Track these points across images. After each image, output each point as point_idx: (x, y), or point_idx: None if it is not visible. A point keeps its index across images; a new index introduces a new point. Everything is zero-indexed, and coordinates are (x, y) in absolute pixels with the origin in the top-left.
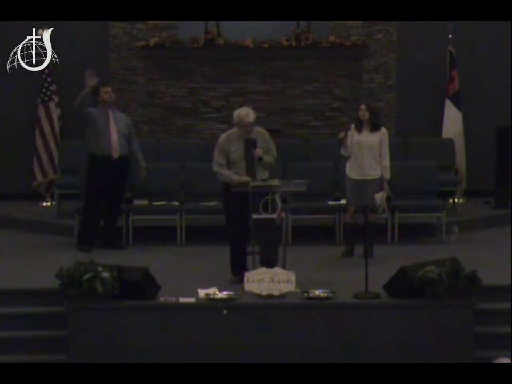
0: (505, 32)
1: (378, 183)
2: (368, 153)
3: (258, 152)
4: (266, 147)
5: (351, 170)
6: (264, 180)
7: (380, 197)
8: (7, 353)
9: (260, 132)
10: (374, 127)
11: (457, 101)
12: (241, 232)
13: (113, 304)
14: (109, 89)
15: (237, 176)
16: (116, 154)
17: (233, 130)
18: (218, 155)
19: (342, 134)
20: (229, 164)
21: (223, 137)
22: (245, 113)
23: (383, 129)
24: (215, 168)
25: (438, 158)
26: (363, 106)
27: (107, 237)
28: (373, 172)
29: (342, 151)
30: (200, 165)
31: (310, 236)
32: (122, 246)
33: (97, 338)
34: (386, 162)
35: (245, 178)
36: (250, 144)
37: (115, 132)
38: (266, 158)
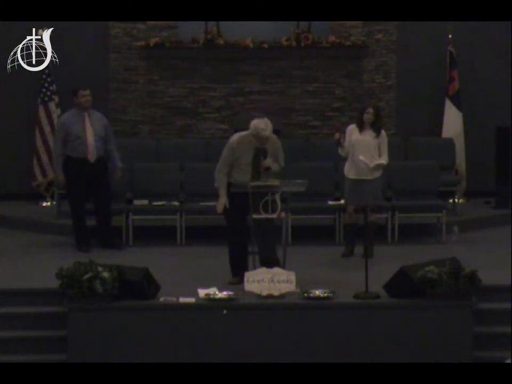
0: (505, 32)
1: (376, 183)
2: (366, 154)
3: (268, 162)
4: (274, 155)
5: (349, 170)
6: None
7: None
8: (7, 353)
9: (272, 140)
10: (377, 130)
11: (457, 101)
12: (241, 233)
13: (113, 304)
14: (86, 92)
15: (223, 192)
16: (92, 158)
17: (247, 134)
18: (224, 159)
19: (337, 135)
20: (235, 167)
21: (235, 138)
22: (263, 126)
23: (383, 132)
24: (216, 173)
25: (438, 158)
26: (371, 110)
27: (103, 237)
28: (371, 172)
29: (340, 151)
30: (200, 165)
31: (310, 236)
32: (120, 245)
33: (97, 338)
34: (386, 159)
35: (222, 201)
36: (260, 153)
37: (91, 135)
38: (274, 167)
